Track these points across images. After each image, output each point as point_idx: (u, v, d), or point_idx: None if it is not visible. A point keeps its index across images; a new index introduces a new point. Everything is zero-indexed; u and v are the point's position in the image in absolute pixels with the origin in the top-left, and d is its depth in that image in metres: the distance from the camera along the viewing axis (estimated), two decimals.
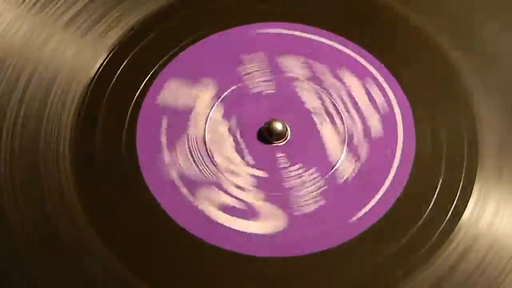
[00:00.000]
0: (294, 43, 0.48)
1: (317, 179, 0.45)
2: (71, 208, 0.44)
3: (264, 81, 0.47)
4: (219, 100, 0.47)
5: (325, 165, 0.45)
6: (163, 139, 0.45)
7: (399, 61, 0.48)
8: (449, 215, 0.44)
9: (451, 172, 0.45)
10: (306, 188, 0.44)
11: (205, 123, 0.46)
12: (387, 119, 0.46)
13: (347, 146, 0.45)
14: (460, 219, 0.44)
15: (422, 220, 0.44)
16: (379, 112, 0.46)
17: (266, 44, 0.48)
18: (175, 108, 0.47)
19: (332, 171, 0.45)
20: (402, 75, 0.47)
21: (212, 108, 0.46)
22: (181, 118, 0.46)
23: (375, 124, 0.46)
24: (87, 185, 0.44)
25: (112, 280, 0.42)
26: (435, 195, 0.44)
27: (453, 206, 0.44)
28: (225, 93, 0.47)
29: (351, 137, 0.46)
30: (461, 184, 0.44)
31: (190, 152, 0.45)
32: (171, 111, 0.46)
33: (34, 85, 0.47)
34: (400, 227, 0.43)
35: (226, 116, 0.46)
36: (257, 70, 0.47)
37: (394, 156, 0.45)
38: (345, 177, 0.45)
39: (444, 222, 0.44)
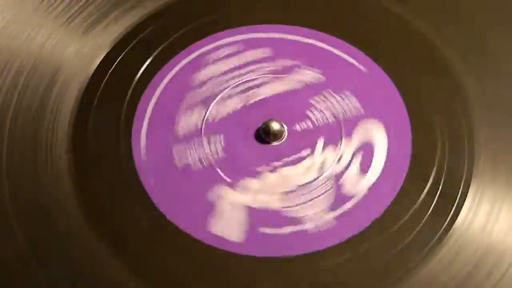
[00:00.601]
0: None
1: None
2: (69, 208, 0.44)
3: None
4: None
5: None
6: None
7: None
8: (442, 216, 0.44)
9: (446, 174, 0.45)
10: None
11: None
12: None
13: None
14: (454, 221, 0.44)
15: (415, 222, 0.43)
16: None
17: None
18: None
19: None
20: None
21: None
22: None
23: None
24: (85, 183, 0.44)
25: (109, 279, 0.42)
26: (429, 197, 0.44)
27: (448, 208, 0.44)
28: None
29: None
30: (456, 185, 0.45)
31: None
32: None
33: (34, 82, 0.47)
34: (392, 229, 0.43)
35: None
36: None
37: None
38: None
39: (438, 224, 0.43)
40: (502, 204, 0.44)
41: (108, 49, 0.48)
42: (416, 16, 0.50)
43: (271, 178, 0.45)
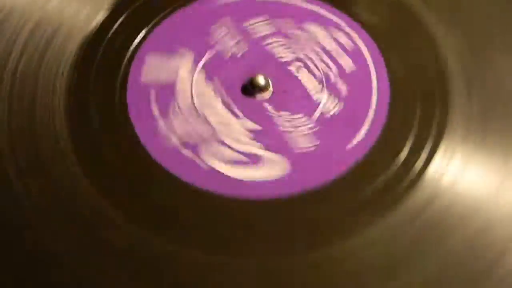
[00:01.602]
0: (256, 7, 0.51)
1: (306, 122, 0.47)
2: (67, 160, 0.45)
3: (236, 43, 0.49)
4: (198, 67, 0.48)
5: (311, 108, 0.47)
6: (156, 112, 0.47)
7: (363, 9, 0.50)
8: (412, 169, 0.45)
9: (419, 129, 0.46)
10: (299, 131, 0.46)
11: (191, 90, 0.48)
12: (356, 55, 0.49)
13: (327, 86, 0.48)
14: (424, 173, 0.45)
15: (387, 173, 0.45)
16: (346, 50, 0.49)
17: (232, 12, 0.50)
18: (159, 83, 0.48)
19: (318, 112, 0.47)
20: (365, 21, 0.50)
21: (193, 75, 0.48)
22: (167, 91, 0.48)
23: (347, 62, 0.49)
24: (82, 138, 0.46)
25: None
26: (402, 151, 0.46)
27: (418, 161, 0.45)
28: (203, 60, 0.49)
29: (327, 78, 0.48)
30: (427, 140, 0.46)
31: (185, 119, 0.47)
32: (157, 86, 0.48)
33: (35, 39, 0.49)
34: (362, 180, 0.45)
35: (209, 79, 0.48)
36: (226, 36, 0.50)
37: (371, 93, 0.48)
38: (330, 115, 0.47)
39: (409, 175, 0.45)
40: (471, 159, 0.45)
41: (108, 11, 0.50)
42: None
43: None
